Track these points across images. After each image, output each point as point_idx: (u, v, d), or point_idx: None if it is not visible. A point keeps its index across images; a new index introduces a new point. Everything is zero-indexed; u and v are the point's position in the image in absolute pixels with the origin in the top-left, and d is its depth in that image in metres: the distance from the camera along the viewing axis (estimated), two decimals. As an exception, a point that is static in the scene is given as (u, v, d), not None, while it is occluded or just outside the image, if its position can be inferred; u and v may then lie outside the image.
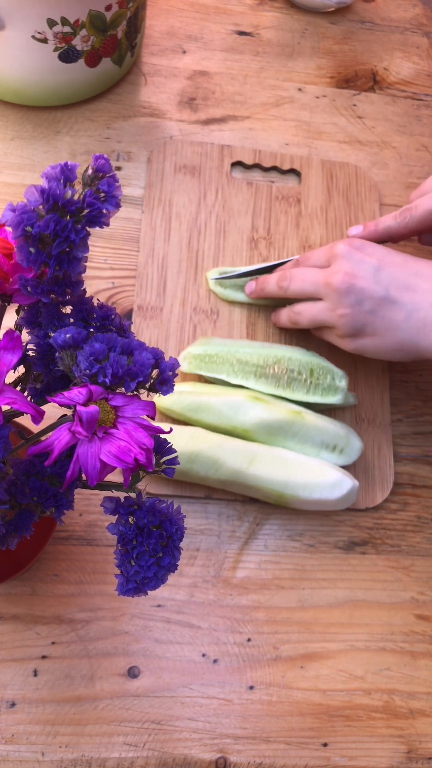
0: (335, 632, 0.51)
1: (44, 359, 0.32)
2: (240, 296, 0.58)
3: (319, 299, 0.51)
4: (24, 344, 0.31)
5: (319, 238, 0.62)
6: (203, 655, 0.49)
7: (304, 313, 0.53)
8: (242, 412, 0.51)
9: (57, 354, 0.30)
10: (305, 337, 0.58)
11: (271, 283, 0.55)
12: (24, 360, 0.32)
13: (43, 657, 0.47)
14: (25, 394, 0.34)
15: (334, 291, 0.49)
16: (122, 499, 0.33)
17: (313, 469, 0.50)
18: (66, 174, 0.29)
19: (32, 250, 0.28)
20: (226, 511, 0.53)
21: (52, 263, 0.29)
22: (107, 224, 0.29)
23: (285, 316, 0.55)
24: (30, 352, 0.32)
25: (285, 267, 0.57)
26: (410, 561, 0.54)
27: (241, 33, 0.71)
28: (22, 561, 0.44)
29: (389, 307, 0.48)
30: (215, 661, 0.49)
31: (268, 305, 0.58)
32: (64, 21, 0.54)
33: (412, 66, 0.73)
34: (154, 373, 0.30)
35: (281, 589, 0.51)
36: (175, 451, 0.33)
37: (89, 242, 0.30)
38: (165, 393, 0.30)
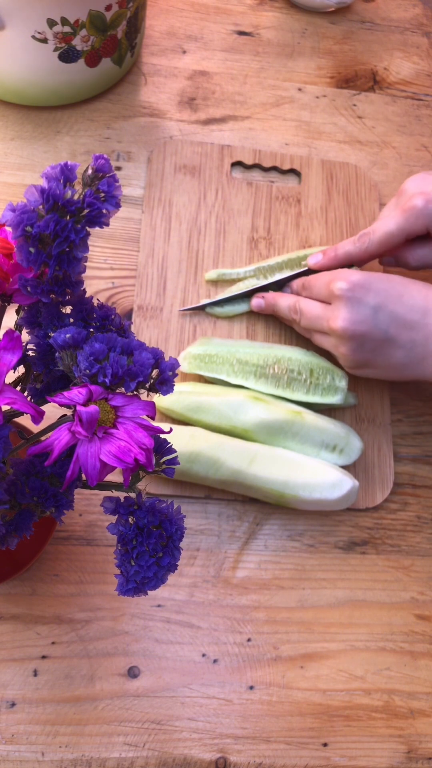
0: (335, 632, 0.51)
1: (44, 359, 0.32)
2: (237, 309, 0.57)
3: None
4: (24, 344, 0.31)
5: (319, 238, 0.62)
6: (203, 655, 0.49)
7: (305, 315, 0.53)
8: (242, 412, 0.51)
9: (57, 354, 0.30)
10: (305, 337, 0.58)
11: (282, 307, 0.55)
12: (24, 360, 0.32)
13: (43, 657, 0.47)
14: (25, 394, 0.34)
15: (336, 334, 0.50)
16: (122, 499, 0.33)
17: (313, 469, 0.50)
18: (66, 174, 0.29)
19: (32, 250, 0.28)
20: (226, 511, 0.53)
21: (52, 263, 0.29)
22: (107, 224, 0.29)
23: (286, 306, 0.55)
24: (30, 352, 0.32)
25: (291, 283, 0.57)
26: (410, 561, 0.54)
27: (241, 33, 0.71)
28: (22, 561, 0.44)
29: (389, 345, 0.49)
30: (215, 661, 0.49)
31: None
32: (64, 21, 0.54)
33: (412, 66, 0.73)
34: (154, 373, 0.30)
35: (281, 589, 0.51)
36: (175, 451, 0.33)
37: (89, 242, 0.30)
38: (165, 393, 0.30)
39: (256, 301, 0.57)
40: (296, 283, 0.56)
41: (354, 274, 0.50)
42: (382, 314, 0.49)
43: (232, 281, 0.59)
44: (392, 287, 0.50)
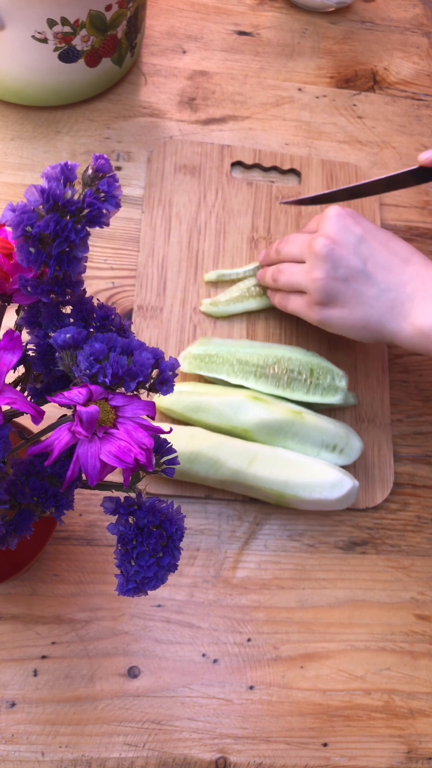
0: (335, 632, 0.51)
1: (44, 359, 0.32)
2: (233, 308, 0.57)
3: (302, 262, 0.52)
4: (24, 344, 0.31)
5: (319, 238, 0.62)
6: (203, 655, 0.49)
7: (285, 273, 0.53)
8: (242, 412, 0.51)
9: (57, 354, 0.30)
10: (305, 337, 0.58)
11: (272, 249, 0.56)
12: (24, 360, 0.32)
13: (43, 657, 0.47)
14: (25, 394, 0.34)
15: (314, 254, 0.49)
16: (122, 499, 0.33)
17: (313, 469, 0.50)
18: (66, 174, 0.29)
19: (32, 250, 0.28)
20: (226, 511, 0.53)
21: (52, 263, 0.29)
22: (107, 224, 0.29)
23: (269, 272, 0.55)
24: (30, 352, 0.32)
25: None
26: (410, 561, 0.54)
27: (241, 33, 0.71)
28: (22, 561, 0.44)
29: (363, 280, 0.48)
30: (215, 661, 0.49)
31: (269, 309, 0.58)
32: (64, 21, 0.54)
33: (412, 66, 0.73)
34: (154, 373, 0.30)
35: (281, 589, 0.51)
36: (175, 451, 0.33)
37: (89, 242, 0.30)
38: (165, 393, 0.30)
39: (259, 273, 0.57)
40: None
41: (350, 209, 0.51)
42: (365, 246, 0.49)
43: (232, 281, 0.59)
44: (380, 232, 0.50)
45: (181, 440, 0.50)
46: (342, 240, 0.49)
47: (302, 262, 0.52)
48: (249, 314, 0.58)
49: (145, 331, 0.56)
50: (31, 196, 0.28)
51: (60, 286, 0.30)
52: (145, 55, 0.68)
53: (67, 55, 0.58)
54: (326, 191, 0.59)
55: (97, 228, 0.29)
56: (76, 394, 0.28)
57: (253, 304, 0.57)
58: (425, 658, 0.51)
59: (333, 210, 0.50)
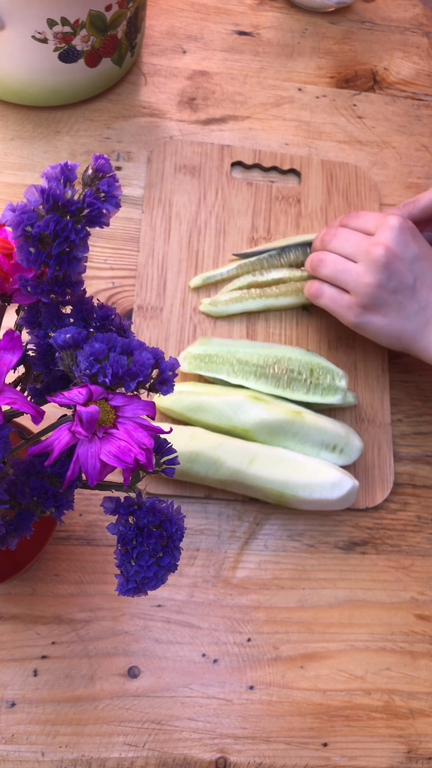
0: (335, 632, 0.51)
1: (44, 359, 0.32)
2: (232, 308, 0.57)
3: (352, 261, 0.52)
4: (24, 344, 0.31)
5: (319, 238, 0.62)
6: (203, 655, 0.49)
7: (329, 264, 0.53)
8: (242, 412, 0.51)
9: (57, 354, 0.30)
10: (305, 337, 0.59)
11: (316, 241, 0.56)
12: (24, 360, 0.32)
13: (43, 657, 0.47)
14: (25, 394, 0.34)
15: (373, 260, 0.50)
16: (122, 499, 0.33)
17: (313, 469, 0.50)
18: (66, 174, 0.29)
19: (32, 250, 0.28)
20: (226, 511, 0.53)
21: (52, 263, 0.29)
22: (107, 224, 0.29)
23: (309, 260, 0.55)
24: (30, 352, 0.32)
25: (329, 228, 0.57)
26: (410, 561, 0.54)
27: (241, 33, 0.71)
28: (22, 561, 0.44)
29: (409, 295, 0.50)
30: (215, 661, 0.49)
31: (269, 309, 0.58)
32: (64, 21, 0.54)
33: (412, 66, 0.73)
34: (154, 373, 0.30)
35: (281, 589, 0.51)
36: (175, 451, 0.33)
37: (89, 242, 0.30)
38: (165, 393, 0.30)
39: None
40: (336, 222, 0.57)
41: (410, 222, 0.52)
42: (418, 265, 0.51)
43: (218, 282, 0.58)
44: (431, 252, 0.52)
45: (181, 440, 0.50)
46: (401, 254, 0.50)
47: (350, 259, 0.52)
48: (249, 314, 0.58)
49: (145, 331, 0.56)
50: (31, 196, 0.28)
51: (60, 286, 0.30)
52: (145, 55, 0.68)
53: (67, 55, 0.58)
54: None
55: (97, 228, 0.29)
56: (76, 394, 0.28)
57: (252, 304, 0.57)
58: (425, 658, 0.51)
59: (396, 221, 0.51)
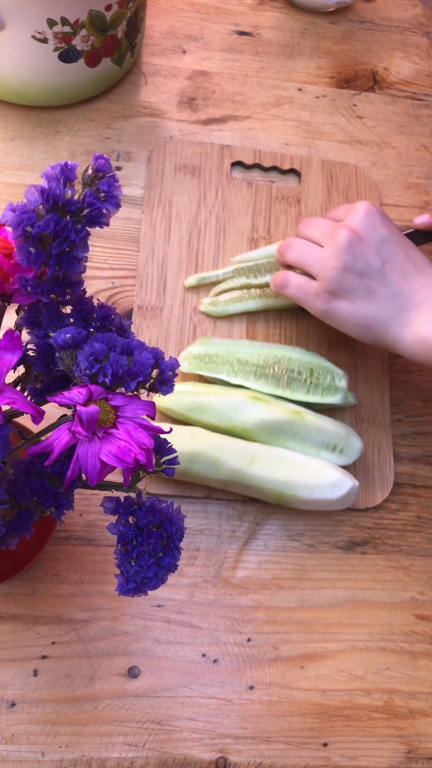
0: (335, 632, 0.51)
1: (44, 359, 0.32)
2: (232, 308, 0.57)
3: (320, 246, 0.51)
4: (24, 344, 0.31)
5: (319, 238, 0.62)
6: (203, 655, 0.49)
7: (296, 248, 0.52)
8: (242, 412, 0.51)
9: (57, 354, 0.30)
10: (305, 337, 0.59)
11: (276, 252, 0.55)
12: (24, 360, 0.32)
13: (43, 657, 0.47)
14: (25, 394, 0.34)
15: (336, 243, 0.49)
16: (122, 499, 0.33)
17: (313, 469, 0.50)
18: (66, 174, 0.29)
19: (32, 250, 0.28)
20: (226, 511, 0.53)
21: (52, 263, 0.29)
22: (107, 224, 0.29)
23: (278, 248, 0.54)
24: (30, 352, 0.32)
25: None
26: (410, 561, 0.54)
27: (241, 33, 0.71)
28: (22, 561, 0.44)
29: (378, 280, 0.49)
30: (215, 661, 0.49)
31: (269, 309, 0.58)
32: (64, 21, 0.54)
33: (412, 66, 0.73)
34: (154, 373, 0.30)
35: (281, 589, 0.51)
36: (175, 451, 0.33)
37: (89, 242, 0.30)
38: (165, 393, 0.30)
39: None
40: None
41: (380, 209, 0.51)
42: (386, 248, 0.49)
43: (213, 283, 0.58)
44: (403, 238, 0.51)
45: (181, 440, 0.50)
46: (367, 236, 0.49)
47: (318, 244, 0.51)
48: (249, 314, 0.58)
49: (145, 331, 0.56)
50: (31, 196, 0.28)
51: (60, 286, 0.30)
52: (145, 55, 0.68)
53: (67, 55, 0.58)
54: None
55: (97, 228, 0.29)
56: (76, 394, 0.28)
57: (252, 304, 0.57)
58: (425, 658, 0.51)
59: (363, 205, 0.50)
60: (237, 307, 0.57)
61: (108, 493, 0.47)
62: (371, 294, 0.49)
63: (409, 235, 0.58)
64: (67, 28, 0.55)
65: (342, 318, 0.50)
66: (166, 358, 0.30)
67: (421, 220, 0.57)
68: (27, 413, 0.28)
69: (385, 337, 0.50)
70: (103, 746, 0.46)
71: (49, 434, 0.29)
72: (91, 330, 0.32)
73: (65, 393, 0.28)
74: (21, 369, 0.34)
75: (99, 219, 0.29)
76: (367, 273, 0.49)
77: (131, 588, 0.31)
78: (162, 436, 0.32)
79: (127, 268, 0.59)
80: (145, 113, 0.65)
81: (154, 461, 0.30)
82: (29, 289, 0.30)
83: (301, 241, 0.52)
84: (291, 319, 0.59)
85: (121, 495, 0.33)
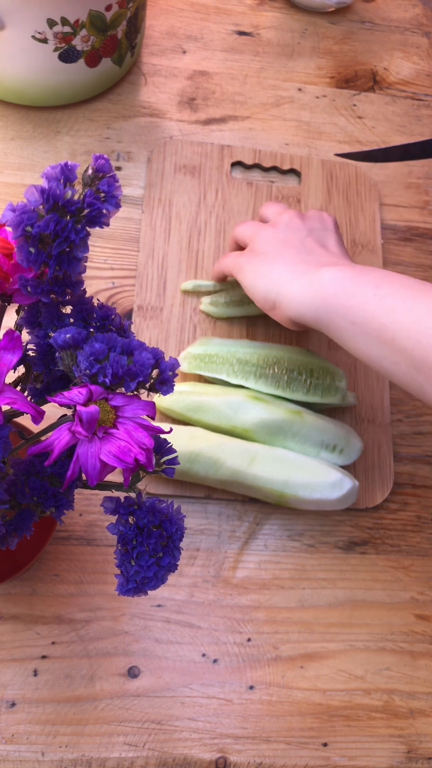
0: (335, 632, 0.51)
1: (44, 359, 0.32)
2: (231, 311, 0.57)
3: None
4: (24, 344, 0.31)
5: (319, 238, 0.62)
6: (203, 655, 0.49)
7: (242, 225, 0.54)
8: (242, 412, 0.51)
9: (57, 354, 0.30)
10: (305, 337, 0.58)
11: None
12: (24, 360, 0.32)
13: (43, 657, 0.47)
14: (25, 394, 0.34)
15: (278, 220, 0.51)
16: (122, 499, 0.33)
17: (313, 469, 0.50)
18: (66, 174, 0.29)
19: (32, 250, 0.28)
20: (226, 511, 0.53)
21: (52, 263, 0.29)
22: (107, 224, 0.29)
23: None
24: (30, 352, 0.32)
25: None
26: (410, 561, 0.54)
27: (241, 33, 0.71)
28: (22, 561, 0.44)
29: (296, 245, 0.49)
30: (215, 661, 0.49)
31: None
32: (64, 21, 0.54)
33: (412, 66, 0.73)
34: (154, 373, 0.30)
35: (281, 589, 0.51)
36: (175, 451, 0.33)
37: (89, 242, 0.30)
38: (165, 393, 0.30)
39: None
40: None
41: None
42: (321, 232, 0.51)
43: (208, 292, 0.58)
44: (339, 237, 0.51)
45: (181, 440, 0.50)
46: (308, 219, 0.51)
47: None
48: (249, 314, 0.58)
49: (145, 331, 0.56)
50: (31, 196, 0.28)
51: (60, 286, 0.30)
52: (145, 55, 0.68)
53: (67, 55, 0.58)
54: (380, 147, 0.60)
55: (97, 228, 0.29)
56: (76, 394, 0.28)
57: (252, 310, 0.57)
58: (425, 658, 0.51)
59: (315, 210, 0.53)
60: (236, 310, 0.57)
61: (108, 493, 0.47)
62: (286, 242, 0.50)
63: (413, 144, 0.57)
64: (67, 28, 0.55)
65: (254, 272, 0.49)
66: (166, 358, 0.30)
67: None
68: (27, 413, 0.28)
69: (280, 294, 0.47)
70: (103, 746, 0.46)
71: (49, 434, 0.29)
72: (91, 330, 0.32)
73: (65, 393, 0.28)
74: (21, 369, 0.34)
75: (99, 219, 0.29)
76: (288, 242, 0.50)
77: (131, 588, 0.31)
78: (162, 436, 0.32)
79: (127, 268, 0.59)
80: (145, 113, 0.65)
81: (154, 461, 0.30)
82: (29, 289, 0.30)
83: (250, 222, 0.54)
84: (291, 319, 0.59)
85: (121, 495, 0.33)
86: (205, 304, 0.57)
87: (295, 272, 0.47)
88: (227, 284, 0.58)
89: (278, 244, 0.50)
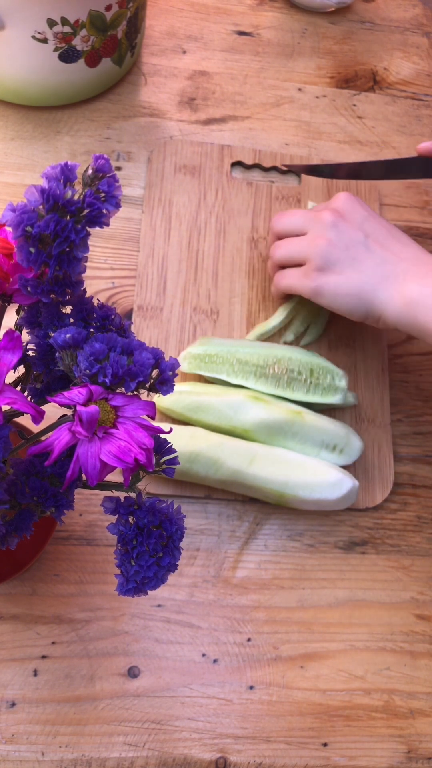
0: (335, 632, 0.51)
1: (44, 359, 0.32)
2: (308, 339, 0.58)
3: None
4: (24, 344, 0.31)
5: (319, 238, 0.62)
6: (203, 655, 0.49)
7: (282, 246, 0.54)
8: (242, 412, 0.51)
9: (57, 354, 0.30)
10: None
11: (271, 236, 0.57)
12: (24, 360, 0.32)
13: (43, 657, 0.47)
14: (25, 394, 0.34)
15: (320, 222, 0.52)
16: (122, 499, 0.33)
17: (313, 469, 0.50)
18: (66, 174, 0.29)
19: (32, 250, 0.28)
20: (226, 511, 0.53)
21: (52, 263, 0.29)
22: (107, 224, 0.29)
23: (269, 251, 0.56)
24: (30, 352, 0.32)
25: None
26: (410, 561, 0.54)
27: (241, 33, 0.71)
28: (22, 561, 0.44)
29: (363, 251, 0.51)
30: (215, 661, 0.49)
31: (268, 308, 0.58)
32: (64, 21, 0.54)
33: (412, 66, 0.73)
34: (154, 373, 0.30)
35: (281, 589, 0.51)
36: (175, 451, 0.33)
37: (89, 242, 0.30)
38: (165, 393, 0.30)
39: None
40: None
41: (358, 197, 0.54)
42: (369, 224, 0.52)
43: (272, 335, 0.58)
44: (384, 221, 0.53)
45: (181, 440, 0.50)
46: (349, 214, 0.52)
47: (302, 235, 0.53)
48: (249, 314, 0.58)
49: (145, 331, 0.56)
50: (31, 196, 0.28)
51: (60, 286, 0.30)
52: (145, 55, 0.68)
53: (67, 55, 0.58)
54: (328, 163, 0.60)
55: (97, 228, 0.29)
56: (76, 394, 0.28)
57: (319, 329, 0.58)
58: (425, 658, 0.51)
59: (344, 194, 0.53)
60: (309, 338, 0.58)
61: (108, 493, 0.47)
62: (357, 263, 0.50)
63: (414, 162, 0.58)
64: (67, 28, 0.55)
65: (332, 291, 0.51)
66: (166, 358, 0.30)
67: (424, 145, 0.57)
68: (27, 413, 0.28)
69: (374, 305, 0.50)
70: (103, 746, 0.46)
71: (49, 434, 0.29)
72: (91, 330, 0.32)
73: (65, 393, 0.28)
74: (21, 369, 0.34)
75: (99, 219, 0.29)
76: (351, 245, 0.51)
77: (131, 588, 0.31)
78: (162, 436, 0.32)
79: (127, 268, 0.59)
80: (145, 113, 0.65)
81: (154, 461, 0.30)
82: (29, 289, 0.30)
83: (287, 240, 0.54)
84: (291, 319, 0.59)
85: (121, 495, 0.33)
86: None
87: (379, 283, 0.50)
88: (286, 314, 0.57)
89: (342, 254, 0.51)
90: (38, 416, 0.29)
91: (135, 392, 0.29)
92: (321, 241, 0.51)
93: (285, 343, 0.57)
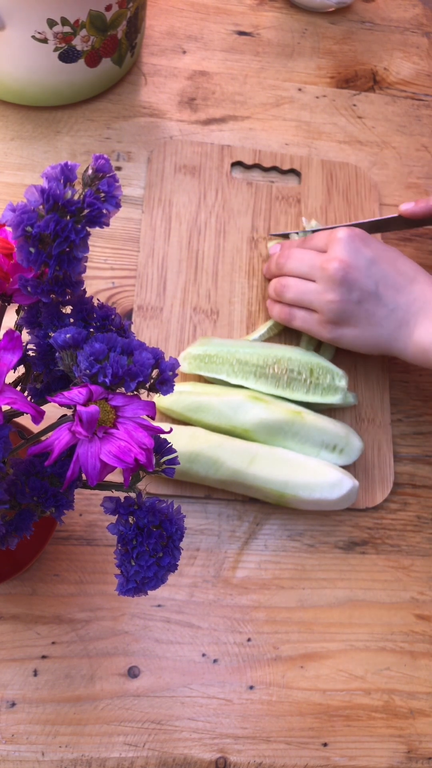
0: (335, 632, 0.51)
1: (44, 359, 0.32)
2: (327, 353, 0.58)
3: (311, 280, 0.53)
4: (24, 344, 0.31)
5: (319, 238, 0.62)
6: (203, 655, 0.49)
7: (292, 288, 0.54)
8: (242, 412, 0.51)
9: (57, 354, 0.30)
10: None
11: (271, 264, 0.57)
12: (24, 360, 0.32)
13: (43, 657, 0.47)
14: (25, 394, 0.34)
15: (329, 277, 0.51)
16: (122, 499, 0.33)
17: (313, 469, 0.50)
18: (66, 174, 0.29)
19: (32, 250, 0.28)
20: (226, 511, 0.53)
21: (52, 263, 0.29)
22: (107, 224, 0.29)
23: (272, 286, 0.56)
24: (30, 352, 0.32)
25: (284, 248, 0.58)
26: (410, 561, 0.54)
27: (241, 33, 0.71)
28: (22, 561, 0.44)
29: (375, 302, 0.51)
30: (215, 661, 0.49)
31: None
32: (64, 21, 0.54)
33: (412, 66, 0.73)
34: (154, 373, 0.30)
35: (281, 589, 0.51)
36: (175, 451, 0.33)
37: (89, 242, 0.30)
38: (165, 393, 0.30)
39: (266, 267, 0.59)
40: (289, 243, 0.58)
41: (358, 229, 0.53)
42: (375, 269, 0.51)
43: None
44: (388, 252, 0.53)
45: (181, 440, 0.50)
46: (355, 263, 0.51)
47: (308, 279, 0.53)
48: (249, 314, 0.58)
49: (145, 331, 0.56)
50: (31, 196, 0.28)
51: (60, 286, 0.30)
52: (145, 55, 0.68)
53: (67, 55, 0.58)
54: (320, 228, 0.60)
55: (97, 228, 0.29)
56: (76, 394, 0.28)
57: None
58: (425, 658, 0.51)
59: (342, 232, 0.52)
60: (328, 353, 0.58)
61: (108, 493, 0.47)
62: (371, 316, 0.51)
63: (392, 221, 0.60)
64: (67, 28, 0.55)
65: (350, 342, 0.53)
66: (166, 358, 0.30)
67: (405, 207, 0.58)
68: (27, 413, 0.28)
69: (391, 351, 0.53)
70: (103, 746, 0.46)
71: (49, 434, 0.29)
72: (91, 330, 0.32)
73: (65, 393, 0.28)
74: (21, 369, 0.34)
75: (99, 219, 0.29)
76: (363, 298, 0.51)
77: (131, 588, 0.31)
78: (162, 436, 0.32)
79: (127, 268, 0.59)
80: (145, 113, 0.65)
81: (154, 461, 0.30)
82: (29, 289, 0.30)
83: (296, 281, 0.54)
84: (291, 319, 0.59)
85: (121, 495, 0.33)
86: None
87: (394, 332, 0.51)
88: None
89: (356, 309, 0.51)
90: (38, 416, 0.29)
91: (135, 392, 0.29)
92: (332, 298, 0.51)
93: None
